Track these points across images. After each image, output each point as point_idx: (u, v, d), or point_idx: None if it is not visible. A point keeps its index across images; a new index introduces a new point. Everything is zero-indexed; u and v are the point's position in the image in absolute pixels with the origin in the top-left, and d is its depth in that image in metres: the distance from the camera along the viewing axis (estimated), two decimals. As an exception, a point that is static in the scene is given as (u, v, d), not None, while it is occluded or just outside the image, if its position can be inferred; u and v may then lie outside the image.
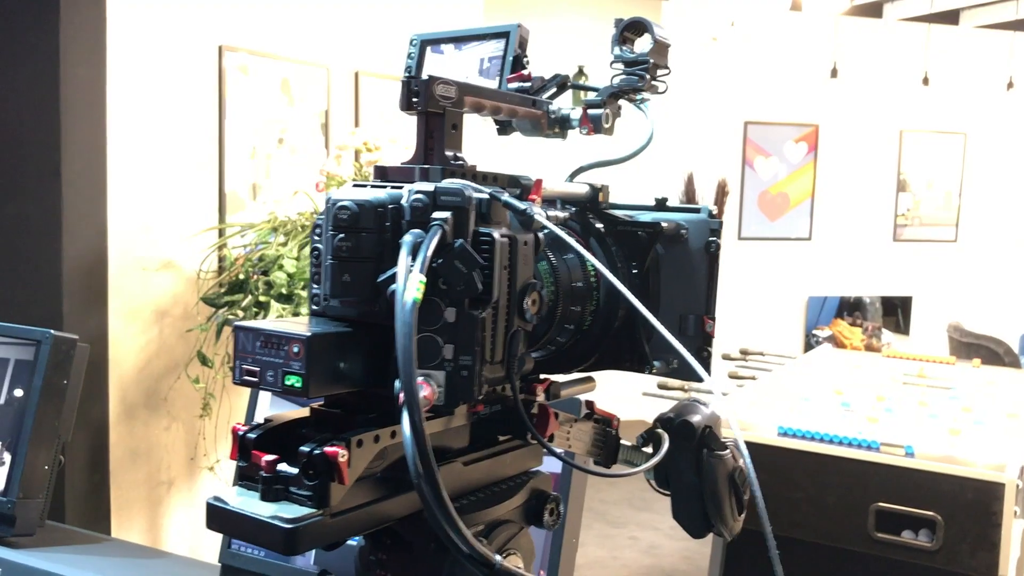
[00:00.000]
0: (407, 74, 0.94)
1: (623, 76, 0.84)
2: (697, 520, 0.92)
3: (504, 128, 0.87)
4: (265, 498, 0.63)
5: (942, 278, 6.81)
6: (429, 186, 0.66)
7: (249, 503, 0.63)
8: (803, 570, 2.42)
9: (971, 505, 2.21)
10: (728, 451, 0.91)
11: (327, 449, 0.62)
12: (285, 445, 0.66)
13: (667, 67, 0.83)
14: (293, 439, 0.66)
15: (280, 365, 0.64)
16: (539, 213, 0.68)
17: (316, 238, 0.71)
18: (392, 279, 0.65)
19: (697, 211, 0.87)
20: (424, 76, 0.71)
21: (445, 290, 0.65)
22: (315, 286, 0.71)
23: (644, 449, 0.92)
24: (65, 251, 2.54)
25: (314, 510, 0.62)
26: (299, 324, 0.67)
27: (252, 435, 0.66)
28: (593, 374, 0.91)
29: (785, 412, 2.58)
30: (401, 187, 0.69)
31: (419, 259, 0.61)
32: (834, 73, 5.53)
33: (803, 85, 6.31)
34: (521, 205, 0.67)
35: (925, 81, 5.64)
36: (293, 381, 0.63)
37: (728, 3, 4.64)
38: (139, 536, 2.86)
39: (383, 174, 0.73)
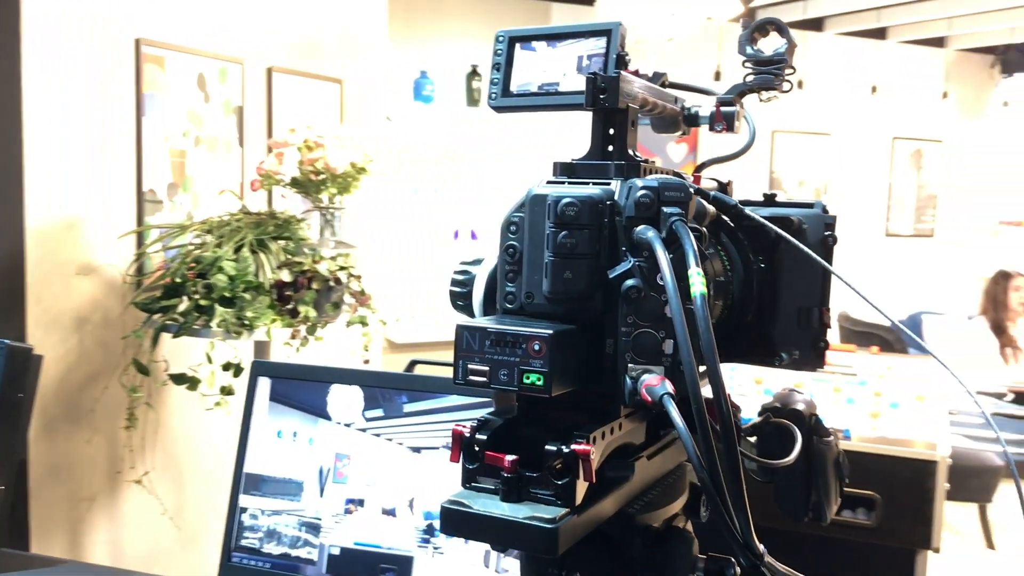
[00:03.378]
0: (495, 71, 0.93)
1: (755, 75, 0.86)
2: (800, 504, 0.95)
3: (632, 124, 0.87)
4: (507, 499, 0.62)
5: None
6: (653, 181, 0.66)
7: (493, 505, 0.62)
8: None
9: (907, 483, 2.36)
10: (832, 437, 0.95)
11: (576, 447, 0.61)
12: (509, 444, 0.64)
13: (793, 67, 0.86)
14: (515, 439, 0.65)
15: (516, 363, 0.62)
16: (750, 211, 0.69)
17: (511, 236, 0.69)
18: (625, 275, 0.65)
19: (811, 206, 0.90)
20: (612, 72, 0.71)
21: (662, 285, 0.65)
22: (509, 284, 0.70)
23: (749, 439, 0.94)
24: (-21, 255, 2.37)
25: (566, 509, 0.61)
26: (515, 321, 0.65)
27: (482, 435, 0.64)
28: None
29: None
30: (609, 183, 0.69)
31: (691, 254, 0.61)
32: (717, 76, 5.75)
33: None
34: (731, 201, 0.68)
35: (800, 84, 5.93)
36: (534, 379, 0.62)
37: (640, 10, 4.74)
38: (61, 554, 2.69)
39: (571, 170, 0.72)
